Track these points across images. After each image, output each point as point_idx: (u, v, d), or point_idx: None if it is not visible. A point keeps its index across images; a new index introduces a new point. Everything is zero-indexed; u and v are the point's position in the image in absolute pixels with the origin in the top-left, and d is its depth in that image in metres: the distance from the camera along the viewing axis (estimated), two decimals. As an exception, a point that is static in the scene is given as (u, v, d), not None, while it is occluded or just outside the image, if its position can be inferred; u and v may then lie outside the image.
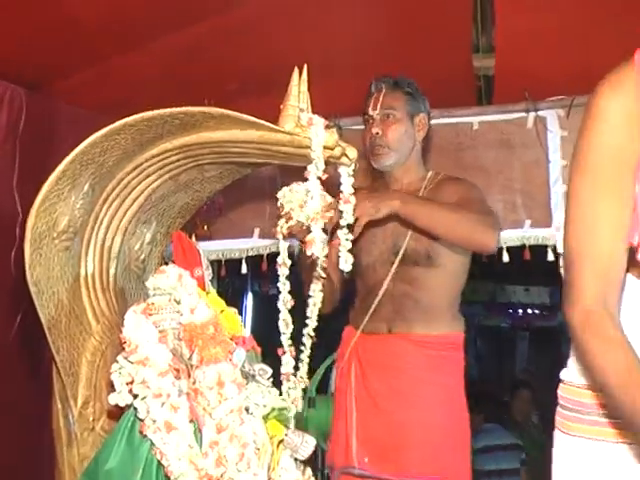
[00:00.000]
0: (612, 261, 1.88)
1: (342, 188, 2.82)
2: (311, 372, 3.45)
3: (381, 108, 3.73)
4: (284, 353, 3.22)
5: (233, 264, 4.96)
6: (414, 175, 3.85)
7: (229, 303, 3.05)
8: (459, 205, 3.54)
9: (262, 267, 4.88)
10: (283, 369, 3.25)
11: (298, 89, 2.68)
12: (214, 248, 4.77)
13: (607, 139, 1.89)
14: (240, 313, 3.10)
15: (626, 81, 1.91)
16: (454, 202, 3.54)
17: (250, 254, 4.87)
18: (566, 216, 1.96)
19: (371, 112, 3.75)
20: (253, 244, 4.83)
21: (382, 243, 3.82)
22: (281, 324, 3.19)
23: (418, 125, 3.80)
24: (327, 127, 2.69)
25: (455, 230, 3.46)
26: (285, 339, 3.21)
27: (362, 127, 3.95)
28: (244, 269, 4.96)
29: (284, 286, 3.18)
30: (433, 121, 4.02)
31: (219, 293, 3.11)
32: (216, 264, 4.81)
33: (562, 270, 3.66)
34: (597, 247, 1.88)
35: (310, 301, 3.30)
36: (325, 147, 2.67)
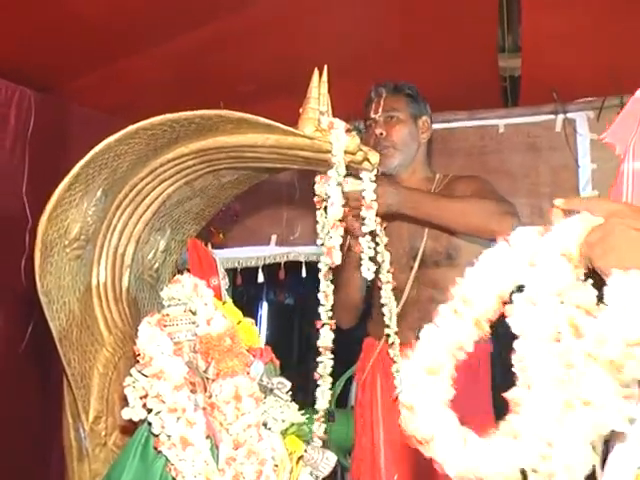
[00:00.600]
0: None
1: (364, 194, 2.81)
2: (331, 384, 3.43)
3: (383, 111, 3.75)
4: (323, 325, 3.16)
5: (249, 272, 4.95)
6: (421, 177, 3.86)
7: (244, 312, 3.05)
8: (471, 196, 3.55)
9: (279, 275, 4.88)
10: (321, 342, 3.20)
11: (318, 91, 2.67)
12: (230, 256, 4.77)
13: None
14: (255, 322, 3.09)
15: None
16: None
17: (267, 262, 4.86)
18: None
19: (373, 115, 3.78)
20: (270, 252, 4.83)
21: (399, 247, 3.80)
22: (321, 296, 3.13)
23: (421, 127, 3.83)
24: (348, 131, 2.68)
25: (470, 220, 3.43)
26: (324, 311, 3.14)
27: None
28: (260, 278, 4.96)
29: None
30: (458, 124, 4.02)
31: (235, 303, 3.10)
32: (232, 272, 4.80)
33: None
34: None
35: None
36: (346, 152, 2.66)
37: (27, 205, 3.55)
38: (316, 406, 3.13)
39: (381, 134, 3.74)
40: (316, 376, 3.19)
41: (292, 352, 11.84)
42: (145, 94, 3.77)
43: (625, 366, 1.78)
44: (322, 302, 3.10)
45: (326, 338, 3.15)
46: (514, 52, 4.12)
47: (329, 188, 2.65)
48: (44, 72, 3.75)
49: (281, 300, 12.81)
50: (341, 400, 4.49)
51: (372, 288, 3.82)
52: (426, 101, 3.87)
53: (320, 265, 3.06)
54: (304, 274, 4.51)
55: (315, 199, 2.91)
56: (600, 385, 1.78)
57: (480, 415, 3.71)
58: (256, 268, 4.87)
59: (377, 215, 2.91)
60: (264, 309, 11.45)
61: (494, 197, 3.53)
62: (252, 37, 3.76)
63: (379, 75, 3.92)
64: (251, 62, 3.89)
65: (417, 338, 3.70)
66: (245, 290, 7.28)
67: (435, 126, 3.94)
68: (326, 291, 3.08)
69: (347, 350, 3.93)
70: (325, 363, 3.17)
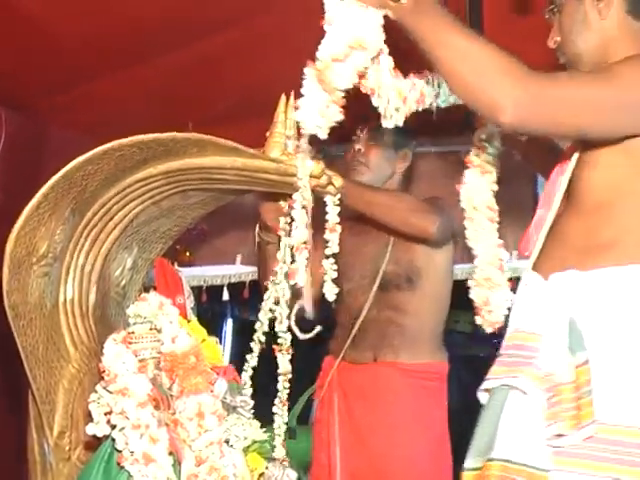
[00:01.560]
0: None
1: (328, 217, 2.82)
2: (292, 403, 3.43)
3: (368, 132, 3.78)
4: (280, 351, 3.16)
5: (214, 290, 4.95)
6: None
7: (209, 328, 3.05)
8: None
9: (244, 294, 4.89)
10: (280, 369, 3.20)
11: (285, 116, 2.69)
12: (196, 274, 4.76)
13: None
14: (220, 338, 3.10)
15: None
16: None
17: (232, 280, 4.87)
18: None
19: (358, 132, 3.81)
20: (235, 271, 4.83)
21: (361, 268, 3.83)
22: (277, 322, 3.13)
23: (401, 157, 3.86)
24: (314, 156, 2.70)
25: (392, 212, 3.42)
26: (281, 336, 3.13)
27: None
28: (226, 296, 4.96)
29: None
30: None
31: (200, 320, 3.11)
32: (197, 290, 4.80)
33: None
34: None
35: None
36: (311, 175, 2.68)
37: (-4, 222, 3.53)
38: (275, 430, 3.13)
39: (359, 150, 3.78)
40: (275, 401, 3.20)
41: (256, 367, 11.83)
42: (117, 115, 3.78)
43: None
44: (277, 328, 3.11)
45: (284, 364, 3.16)
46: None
47: (294, 211, 2.67)
48: (17, 91, 3.74)
49: (245, 317, 12.84)
50: (303, 417, 4.49)
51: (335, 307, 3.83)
52: (413, 136, 3.90)
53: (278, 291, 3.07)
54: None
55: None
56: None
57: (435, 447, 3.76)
58: (221, 286, 4.88)
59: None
60: (229, 325, 11.44)
61: (429, 203, 3.52)
62: (222, 62, 3.79)
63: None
64: (221, 86, 3.91)
65: (375, 360, 3.74)
66: (210, 307, 7.26)
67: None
68: (282, 313, 3.09)
69: (312, 367, 3.94)
70: (283, 389, 3.19)
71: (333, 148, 4.43)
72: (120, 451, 2.54)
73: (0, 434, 3.89)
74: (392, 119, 2.52)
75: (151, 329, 2.72)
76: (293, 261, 2.67)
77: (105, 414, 2.56)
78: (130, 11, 3.28)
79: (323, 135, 2.33)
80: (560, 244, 2.27)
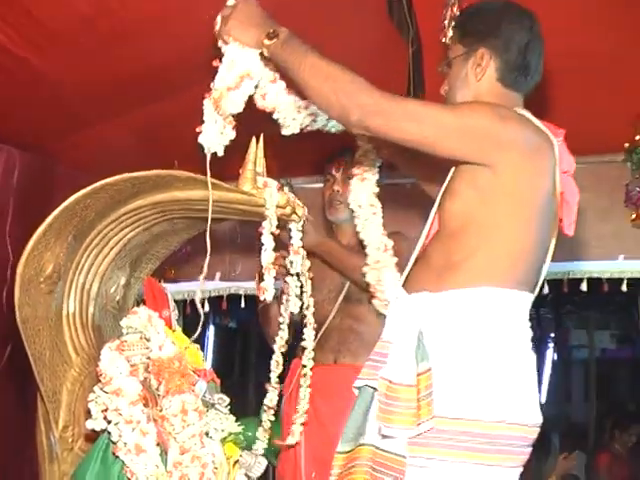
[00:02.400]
0: None
1: (292, 242, 2.85)
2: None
3: (343, 173, 3.77)
4: (273, 388, 3.18)
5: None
6: None
7: (192, 334, 3.06)
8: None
9: (222, 305, 4.90)
10: (267, 401, 3.22)
11: (255, 155, 2.71)
12: (181, 289, 4.75)
13: None
14: (202, 343, 3.11)
15: None
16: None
17: (212, 295, 4.87)
18: None
19: (334, 173, 3.81)
20: (215, 286, 4.83)
21: (330, 282, 3.85)
22: (273, 363, 3.15)
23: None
24: (280, 189, 2.73)
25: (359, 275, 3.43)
26: (274, 376, 3.15)
27: (312, 185, 4.00)
28: (207, 308, 4.96)
29: (283, 333, 3.11)
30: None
31: (185, 330, 3.12)
32: (182, 303, 4.80)
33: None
34: None
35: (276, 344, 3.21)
36: (278, 206, 2.71)
37: (9, 246, 3.54)
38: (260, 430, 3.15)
39: (337, 191, 3.79)
40: (259, 430, 3.25)
41: (234, 365, 11.84)
42: (113, 154, 3.79)
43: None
44: (272, 368, 3.13)
45: (272, 400, 3.18)
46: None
47: (263, 237, 2.70)
48: (28, 134, 3.75)
49: (225, 323, 12.86)
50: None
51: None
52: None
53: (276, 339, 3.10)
54: (243, 305, 4.54)
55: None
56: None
57: None
58: (203, 299, 4.88)
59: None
60: (211, 331, 11.47)
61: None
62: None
63: (305, 138, 3.98)
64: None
65: (335, 362, 3.75)
66: (193, 317, 7.26)
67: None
68: (277, 360, 3.11)
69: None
70: (267, 419, 3.21)
71: (298, 180, 4.49)
72: (115, 443, 2.57)
73: (12, 428, 3.87)
74: (290, 128, 2.75)
75: (141, 338, 2.74)
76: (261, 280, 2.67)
77: (102, 411, 2.58)
78: (124, 66, 3.31)
79: (220, 152, 2.56)
80: (425, 265, 2.37)
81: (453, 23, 2.55)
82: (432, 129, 2.15)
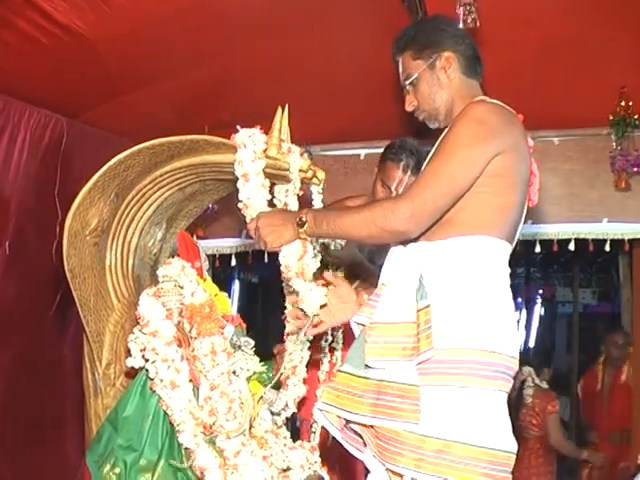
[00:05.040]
0: None
1: (314, 203, 2.83)
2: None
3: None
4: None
5: (224, 257, 4.94)
6: None
7: (220, 287, 3.06)
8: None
9: (248, 260, 4.89)
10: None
11: (280, 124, 2.69)
12: (210, 245, 4.74)
13: None
14: (228, 295, 3.11)
15: None
16: None
17: (238, 250, 4.85)
18: None
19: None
20: (241, 242, 4.81)
21: None
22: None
23: None
24: (302, 154, 2.71)
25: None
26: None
27: (330, 152, 3.97)
28: (233, 262, 4.96)
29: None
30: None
31: (214, 280, 3.12)
32: (212, 257, 4.79)
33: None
34: None
35: None
36: (300, 170, 2.70)
37: (58, 203, 3.53)
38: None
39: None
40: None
41: (256, 316, 11.89)
42: (149, 121, 3.76)
43: None
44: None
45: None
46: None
47: (288, 198, 2.68)
48: (72, 102, 3.73)
49: (249, 279, 12.89)
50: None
51: None
52: None
53: None
54: (266, 260, 4.52)
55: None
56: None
57: None
58: (230, 254, 4.86)
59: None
60: (236, 285, 11.49)
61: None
62: (231, 80, 3.78)
63: (325, 111, 3.95)
64: (231, 98, 3.89)
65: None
66: (222, 271, 7.26)
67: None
68: None
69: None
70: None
71: (316, 148, 4.46)
72: (152, 379, 2.60)
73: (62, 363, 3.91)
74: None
75: (175, 286, 2.75)
76: None
77: (141, 350, 2.60)
78: (159, 37, 3.27)
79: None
80: None
81: (401, 46, 2.54)
82: (446, 182, 2.22)
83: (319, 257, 2.66)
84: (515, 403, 5.04)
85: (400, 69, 2.53)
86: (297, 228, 2.32)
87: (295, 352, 3.17)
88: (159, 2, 3.10)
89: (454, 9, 3.00)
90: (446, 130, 2.35)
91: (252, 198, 2.55)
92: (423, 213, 2.20)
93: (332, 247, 2.92)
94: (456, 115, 2.37)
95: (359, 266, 3.35)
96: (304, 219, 2.30)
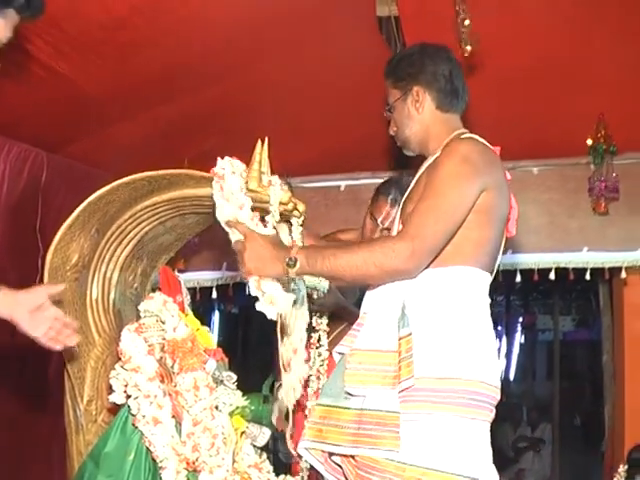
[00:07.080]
0: None
1: (292, 235, 2.83)
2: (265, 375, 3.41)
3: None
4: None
5: (205, 290, 4.92)
6: None
7: (201, 320, 3.05)
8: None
9: (228, 292, 4.88)
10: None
11: (260, 156, 2.68)
12: (191, 278, 4.72)
13: None
14: (209, 326, 3.09)
15: None
16: None
17: (219, 283, 4.84)
18: None
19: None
20: (222, 275, 4.80)
21: None
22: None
23: None
24: (282, 187, 2.71)
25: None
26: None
27: (310, 185, 3.97)
28: (214, 294, 4.94)
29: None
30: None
31: (195, 314, 3.10)
32: (192, 291, 4.77)
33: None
34: None
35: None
36: (281, 202, 2.69)
37: (39, 238, 3.53)
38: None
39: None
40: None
41: (237, 347, 11.86)
42: (129, 154, 3.77)
43: None
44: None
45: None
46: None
47: (266, 229, 2.67)
48: (52, 136, 3.74)
49: (229, 310, 12.87)
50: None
51: None
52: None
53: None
54: (247, 292, 4.50)
55: None
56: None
57: None
58: (211, 287, 4.85)
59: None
60: (216, 316, 11.48)
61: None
62: (211, 114, 3.78)
63: (302, 140, 3.96)
64: (211, 132, 3.90)
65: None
66: (201, 302, 7.25)
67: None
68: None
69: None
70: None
71: (296, 180, 4.46)
72: (134, 415, 2.57)
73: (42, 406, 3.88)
74: None
75: (157, 321, 2.74)
76: None
77: (123, 386, 2.59)
78: (136, 72, 3.29)
79: None
80: None
81: (386, 72, 2.58)
82: (442, 220, 2.24)
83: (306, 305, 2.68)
84: None
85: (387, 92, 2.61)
86: (286, 268, 2.28)
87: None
88: (143, 44, 3.12)
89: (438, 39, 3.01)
90: (427, 166, 2.39)
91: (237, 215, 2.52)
92: (423, 251, 2.21)
93: (315, 296, 2.90)
94: (435, 148, 2.41)
95: (343, 310, 3.34)
96: (296, 260, 2.27)
